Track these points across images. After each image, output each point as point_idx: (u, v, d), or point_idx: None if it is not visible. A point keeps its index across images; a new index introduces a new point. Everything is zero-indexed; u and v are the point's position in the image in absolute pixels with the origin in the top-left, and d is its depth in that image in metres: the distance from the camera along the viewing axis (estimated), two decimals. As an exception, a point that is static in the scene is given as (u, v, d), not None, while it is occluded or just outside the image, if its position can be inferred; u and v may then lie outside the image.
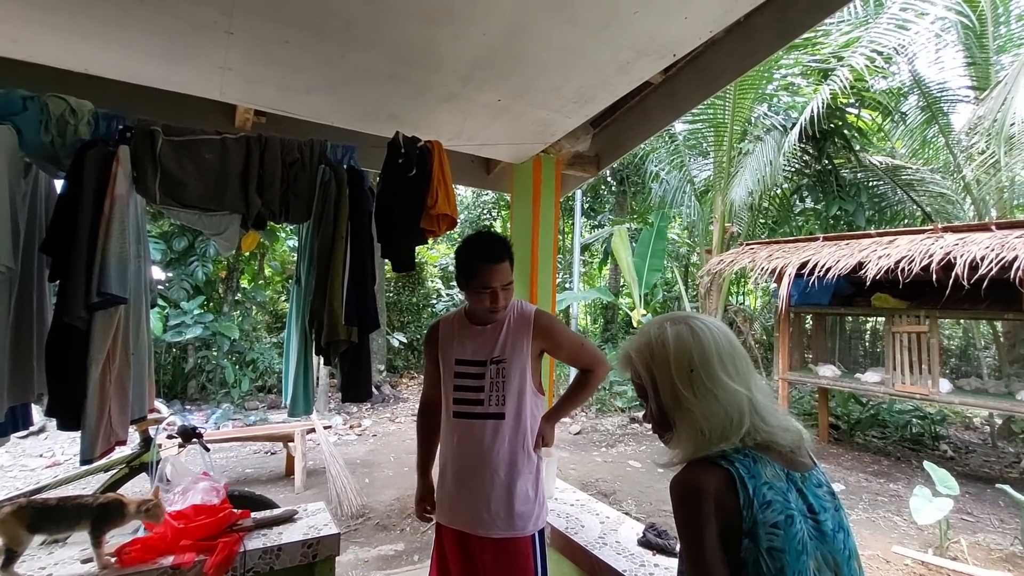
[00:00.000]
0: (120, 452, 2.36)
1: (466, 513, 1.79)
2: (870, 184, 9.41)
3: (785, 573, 0.89)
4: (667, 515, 4.89)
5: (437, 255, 13.03)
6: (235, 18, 1.80)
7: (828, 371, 6.87)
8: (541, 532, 1.83)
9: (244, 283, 10.37)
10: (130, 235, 1.85)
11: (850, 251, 6.03)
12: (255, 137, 2.11)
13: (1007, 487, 4.23)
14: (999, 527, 4.68)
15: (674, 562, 1.97)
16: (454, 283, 12.27)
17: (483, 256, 1.72)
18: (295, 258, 9.65)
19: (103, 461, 2.35)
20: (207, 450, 2.78)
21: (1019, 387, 5.63)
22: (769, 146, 8.45)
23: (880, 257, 5.64)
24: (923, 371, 5.84)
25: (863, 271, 5.70)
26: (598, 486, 5.68)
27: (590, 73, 2.24)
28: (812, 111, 7.69)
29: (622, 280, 11.62)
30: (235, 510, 1.95)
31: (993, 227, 5.26)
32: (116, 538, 1.73)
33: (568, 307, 9.62)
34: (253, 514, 2.01)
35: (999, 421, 7.69)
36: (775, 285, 7.68)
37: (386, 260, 2.42)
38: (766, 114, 9.30)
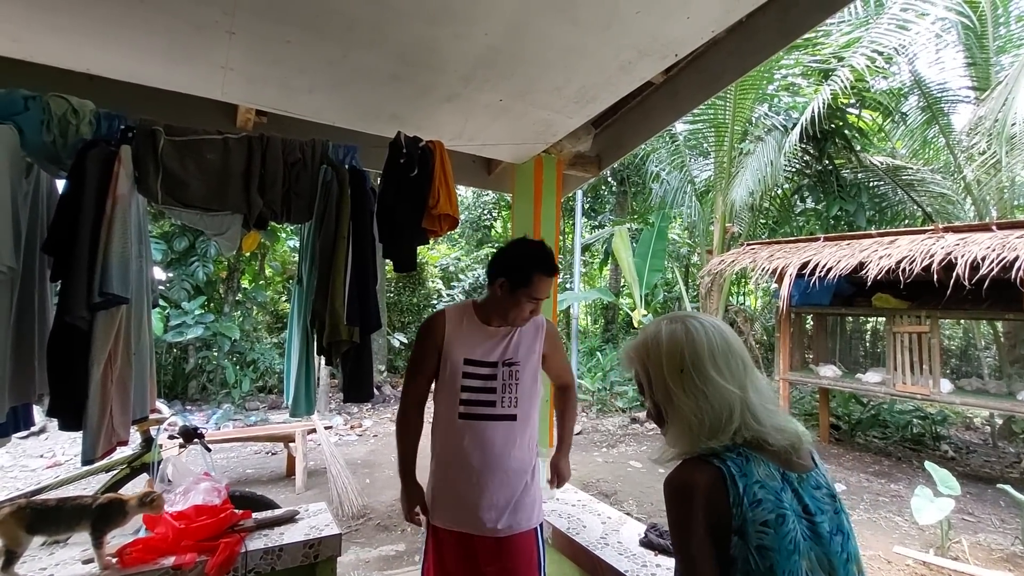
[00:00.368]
0: (121, 452, 2.36)
1: (472, 514, 1.77)
2: (871, 184, 9.40)
3: (775, 571, 0.89)
4: (668, 515, 4.89)
5: (438, 255, 13.03)
6: (237, 18, 1.80)
7: (829, 371, 6.86)
8: (541, 524, 1.89)
9: (245, 283, 10.37)
10: (132, 235, 1.85)
11: (851, 251, 6.02)
12: (257, 137, 2.11)
13: (1008, 487, 4.22)
14: (1000, 527, 4.67)
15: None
16: (455, 283, 12.38)
17: (542, 267, 1.74)
18: (295, 258, 9.66)
19: (104, 461, 2.35)
20: (208, 450, 2.78)
21: (1020, 387, 5.63)
22: (770, 146, 8.45)
23: (881, 257, 5.63)
24: (924, 371, 5.83)
25: (864, 271, 5.69)
26: (599, 486, 5.68)
27: (592, 73, 2.24)
28: (813, 111, 7.68)
29: (623, 280, 11.62)
30: (236, 510, 1.95)
31: (994, 227, 5.25)
32: (117, 538, 1.73)
33: (569, 307, 9.61)
34: (254, 514, 2.00)
35: (1000, 421, 7.69)
36: (776, 285, 7.68)
37: (387, 260, 2.42)
38: (767, 114, 9.30)
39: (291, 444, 5.62)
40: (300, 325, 2.33)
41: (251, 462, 6.33)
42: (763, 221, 10.97)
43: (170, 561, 1.68)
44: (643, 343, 1.09)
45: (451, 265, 12.98)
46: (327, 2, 1.75)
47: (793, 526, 0.92)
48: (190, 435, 2.80)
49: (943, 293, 5.39)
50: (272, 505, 2.53)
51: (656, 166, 10.18)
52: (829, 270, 5.99)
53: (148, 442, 2.99)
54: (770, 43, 2.27)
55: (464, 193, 13.54)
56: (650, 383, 1.07)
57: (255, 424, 7.45)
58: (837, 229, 8.92)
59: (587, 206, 13.36)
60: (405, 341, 11.00)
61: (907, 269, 5.32)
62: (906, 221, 9.38)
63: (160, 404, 3.36)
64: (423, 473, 1.87)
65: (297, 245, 7.18)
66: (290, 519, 2.01)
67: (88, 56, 2.08)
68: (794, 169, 9.84)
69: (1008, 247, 4.76)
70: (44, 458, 6.21)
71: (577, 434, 7.89)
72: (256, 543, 1.83)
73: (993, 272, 4.74)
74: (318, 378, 6.00)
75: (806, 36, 7.22)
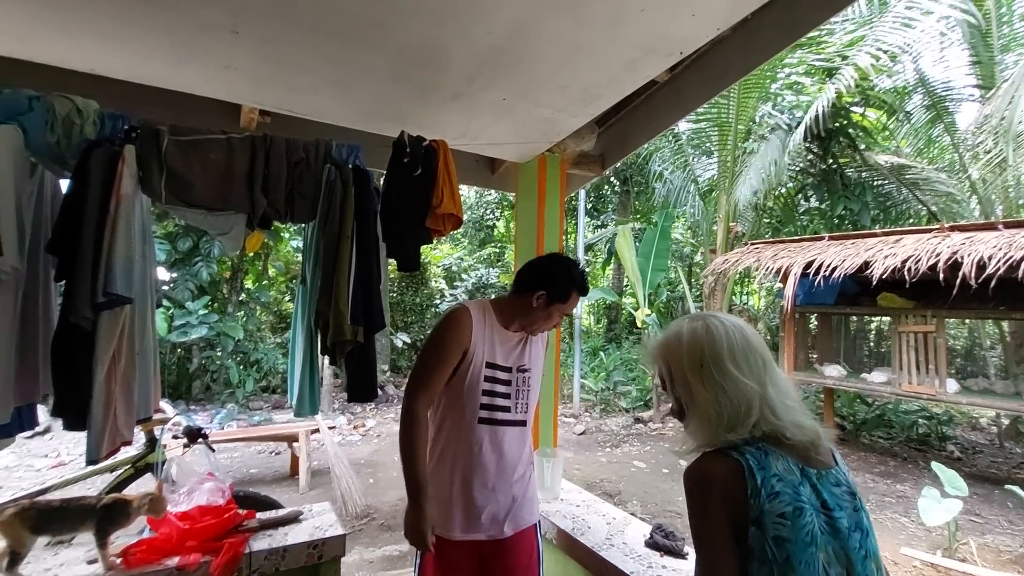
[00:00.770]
0: (126, 452, 2.36)
1: (484, 520, 1.74)
2: (875, 183, 9.37)
3: (791, 562, 0.92)
4: (672, 515, 4.88)
5: (441, 255, 13.03)
6: (241, 18, 1.79)
7: (834, 371, 6.84)
8: (539, 520, 1.94)
9: (248, 284, 10.39)
10: (136, 235, 1.85)
11: (856, 250, 6.00)
12: (260, 137, 2.11)
13: (1016, 488, 4.20)
14: (1008, 528, 4.65)
15: (682, 563, 1.97)
16: (458, 283, 12.37)
17: (581, 289, 1.83)
18: (299, 258, 9.67)
19: (109, 461, 2.34)
20: (212, 450, 2.78)
21: (1027, 387, 5.60)
22: (774, 145, 8.42)
23: (886, 257, 5.61)
24: (929, 371, 5.81)
25: (869, 271, 5.67)
26: (603, 486, 5.67)
27: (596, 71, 2.23)
28: (817, 110, 7.66)
29: (625, 280, 11.60)
30: (240, 511, 1.94)
31: (1000, 226, 5.22)
32: (122, 539, 1.73)
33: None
34: (258, 515, 2.00)
35: (1006, 422, 7.65)
36: (780, 285, 7.65)
37: (391, 260, 2.41)
38: (771, 113, 9.28)
39: (295, 444, 5.63)
40: (304, 325, 2.33)
41: (255, 462, 6.34)
42: (767, 220, 10.94)
43: (174, 561, 1.68)
44: (665, 340, 1.14)
45: (454, 265, 12.98)
46: (331, 1, 1.74)
47: (811, 519, 0.94)
48: (194, 435, 2.79)
49: (949, 292, 5.37)
50: (276, 505, 2.53)
51: (659, 165, 10.17)
52: (834, 269, 5.97)
53: (152, 442, 2.99)
54: (775, 41, 2.25)
55: (467, 193, 13.55)
56: (672, 378, 1.12)
57: (259, 424, 7.46)
58: (841, 228, 8.89)
59: (590, 205, 13.35)
60: (408, 341, 11.00)
61: (912, 268, 5.29)
62: (911, 220, 9.35)
63: (164, 404, 3.37)
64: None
65: (300, 245, 7.18)
66: (294, 519, 2.00)
67: (92, 56, 2.08)
68: (798, 168, 9.82)
69: (1015, 246, 4.74)
70: (49, 458, 6.23)
71: (580, 434, 7.89)
72: (260, 543, 1.82)
73: (1000, 271, 4.71)
74: (322, 378, 6.03)
75: (810, 34, 7.20)
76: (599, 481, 5.83)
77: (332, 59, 2.06)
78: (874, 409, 8.29)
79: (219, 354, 9.08)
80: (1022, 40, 7.72)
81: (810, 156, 9.66)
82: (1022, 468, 6.42)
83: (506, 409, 1.78)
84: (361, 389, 2.22)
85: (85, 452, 1.78)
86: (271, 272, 10.84)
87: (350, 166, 2.22)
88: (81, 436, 1.77)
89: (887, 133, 10.65)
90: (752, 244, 7.67)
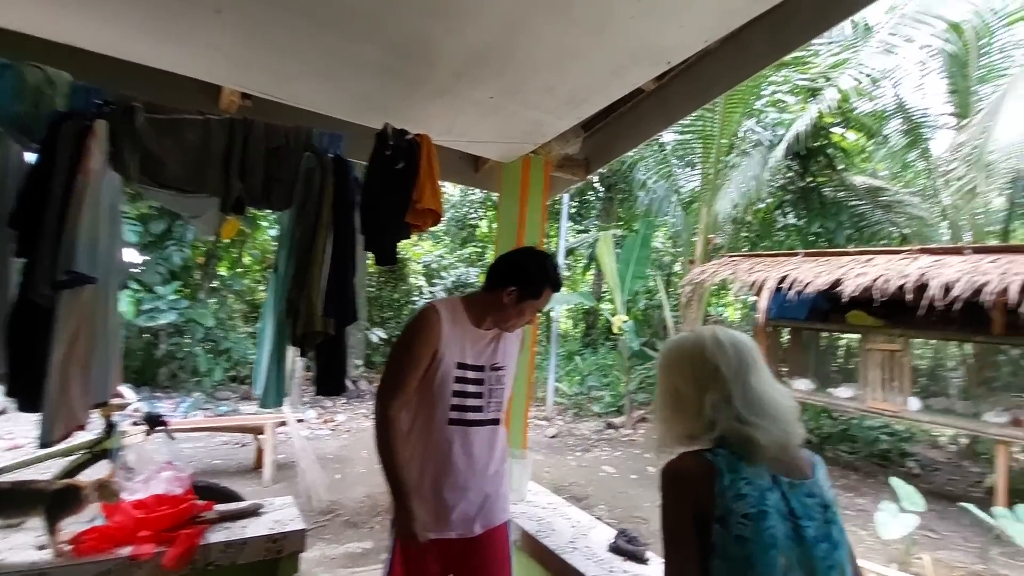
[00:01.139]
0: (83, 437, 2.29)
1: (455, 518, 1.72)
2: (851, 203, 9.58)
3: (750, 561, 0.97)
4: (638, 521, 4.91)
5: (421, 252, 12.94)
6: (224, -4, 1.75)
7: (802, 385, 6.97)
8: (509, 520, 1.91)
9: (222, 271, 10.17)
10: (103, 213, 1.79)
11: (829, 267, 6.13)
12: (240, 120, 2.07)
13: (971, 507, 4.32)
14: (962, 545, 4.78)
15: (644, 569, 1.98)
16: (436, 280, 12.30)
17: (554, 285, 1.78)
18: (276, 247, 9.50)
19: (64, 445, 2.26)
20: (172, 439, 2.72)
21: (986, 408, 5.76)
22: (755, 161, 8.57)
23: (857, 275, 5.74)
24: (894, 388, 5.95)
25: (840, 288, 5.79)
26: (571, 490, 5.68)
27: (584, 75, 2.23)
28: (799, 129, 7.80)
29: (605, 286, 11.66)
30: (199, 501, 1.90)
31: (967, 251, 5.38)
32: (74, 525, 1.67)
33: (550, 310, 9.62)
34: (217, 506, 1.95)
35: (965, 441, 7.88)
36: (755, 298, 7.77)
37: (369, 253, 2.38)
38: (754, 129, 9.43)
39: (260, 436, 5.53)
40: (274, 314, 2.28)
41: (219, 453, 6.21)
42: (745, 234, 11.11)
43: (127, 551, 1.63)
44: (662, 348, 1.26)
45: (434, 262, 12.89)
46: (319, -14, 1.71)
47: (774, 523, 0.99)
48: (154, 422, 2.73)
49: (915, 313, 5.51)
50: (237, 497, 2.47)
51: (643, 174, 10.25)
52: (807, 285, 6.08)
53: (110, 427, 2.91)
54: (762, 56, 2.28)
55: (451, 191, 13.47)
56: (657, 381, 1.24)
57: (225, 414, 7.31)
58: (816, 245, 9.07)
59: (573, 210, 13.38)
60: (384, 337, 10.89)
61: (882, 288, 5.42)
62: (883, 241, 9.57)
63: (125, 389, 3.28)
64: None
65: (277, 234, 7.07)
66: (253, 512, 1.96)
67: (71, 28, 2.00)
68: (777, 184, 9.98)
69: (980, 271, 4.88)
70: (4, 440, 6.01)
71: (552, 437, 7.90)
72: (217, 535, 1.78)
73: (965, 295, 4.85)
74: (292, 370, 5.93)
75: (796, 54, 7.34)
76: (568, 485, 5.85)
77: (319, 46, 2.03)
78: (839, 424, 8.47)
79: (188, 341, 8.87)
80: (999, 72, 7.96)
81: (790, 173, 9.83)
82: (978, 487, 6.61)
83: (478, 409, 1.76)
84: (330, 382, 2.19)
85: (39, 434, 1.72)
86: (246, 260, 10.64)
87: (331, 155, 2.19)
88: (38, 418, 1.71)
89: (865, 155, 10.90)
90: (729, 256, 7.78)
